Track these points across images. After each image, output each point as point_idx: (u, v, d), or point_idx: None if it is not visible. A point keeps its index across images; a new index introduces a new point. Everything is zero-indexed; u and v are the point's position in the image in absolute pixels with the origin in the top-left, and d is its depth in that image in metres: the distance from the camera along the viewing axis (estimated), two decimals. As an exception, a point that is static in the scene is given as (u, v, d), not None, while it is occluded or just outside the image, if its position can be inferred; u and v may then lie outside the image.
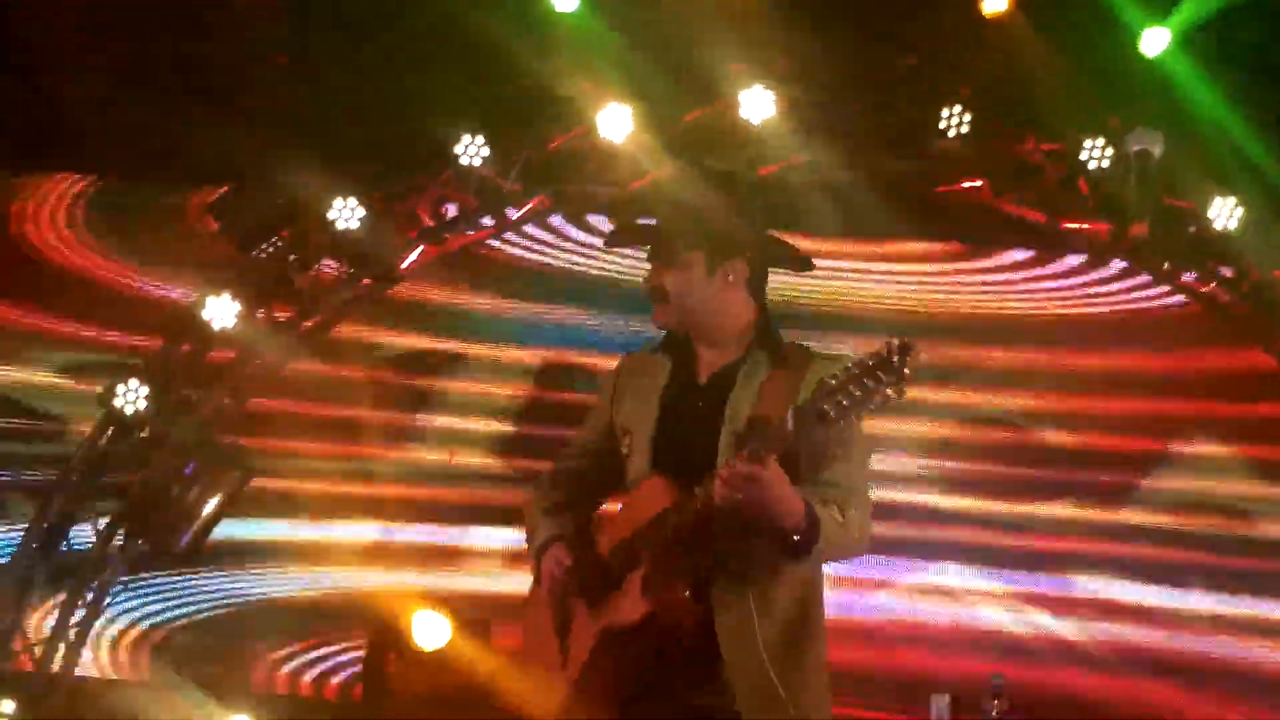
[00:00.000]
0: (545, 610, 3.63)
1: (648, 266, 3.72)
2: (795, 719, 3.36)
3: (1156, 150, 7.68)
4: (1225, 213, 7.73)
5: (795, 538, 3.26)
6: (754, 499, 3.17)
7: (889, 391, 2.98)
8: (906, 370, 2.96)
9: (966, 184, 8.12)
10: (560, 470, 3.90)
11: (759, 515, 3.22)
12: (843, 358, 3.34)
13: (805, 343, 3.67)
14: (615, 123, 7.95)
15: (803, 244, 8.37)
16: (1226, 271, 7.96)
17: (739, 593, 3.35)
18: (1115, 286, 8.85)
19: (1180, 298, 8.38)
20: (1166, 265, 8.09)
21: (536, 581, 3.71)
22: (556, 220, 8.99)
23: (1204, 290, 8.08)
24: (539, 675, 3.68)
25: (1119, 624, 8.49)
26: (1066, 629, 8.55)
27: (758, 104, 7.94)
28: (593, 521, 3.83)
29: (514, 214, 8.47)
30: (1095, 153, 7.77)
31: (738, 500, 3.16)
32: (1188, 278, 8.10)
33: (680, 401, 3.60)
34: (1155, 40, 7.69)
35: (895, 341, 2.97)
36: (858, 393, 2.99)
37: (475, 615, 7.87)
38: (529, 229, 8.97)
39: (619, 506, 3.62)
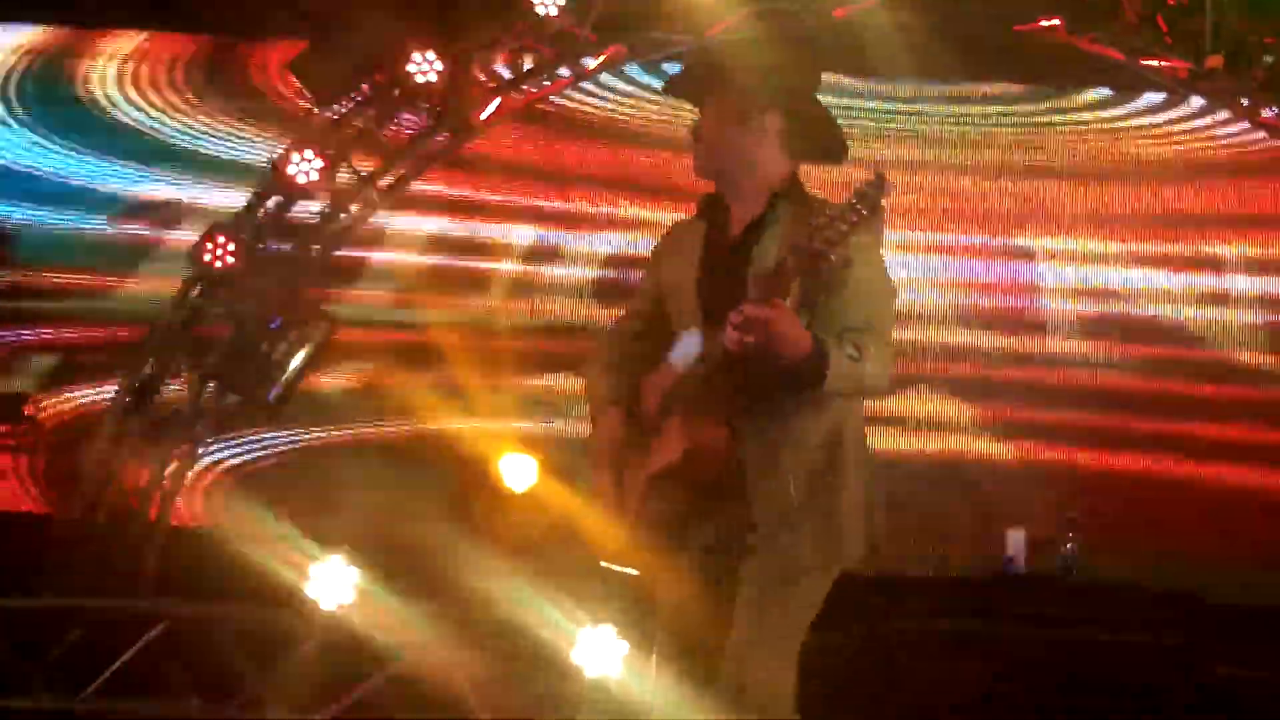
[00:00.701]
0: (603, 467, 3.73)
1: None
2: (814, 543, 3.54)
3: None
4: None
5: (803, 369, 3.40)
6: (762, 339, 3.31)
7: (869, 220, 3.21)
8: (883, 201, 3.22)
9: (1044, 22, 8.08)
10: (615, 331, 3.97)
11: (770, 354, 3.35)
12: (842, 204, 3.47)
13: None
14: (686, -33, 7.95)
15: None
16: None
17: (765, 427, 3.51)
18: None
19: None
20: (1246, 102, 8.05)
21: (595, 438, 3.80)
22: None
23: (1283, 126, 8.06)
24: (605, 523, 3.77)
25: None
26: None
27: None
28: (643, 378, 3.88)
29: (591, 64, 8.47)
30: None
31: (748, 342, 3.31)
32: (1268, 114, 8.06)
33: (715, 256, 3.67)
34: None
35: (871, 176, 3.20)
36: (843, 227, 3.19)
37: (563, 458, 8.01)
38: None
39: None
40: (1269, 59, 7.77)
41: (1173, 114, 8.90)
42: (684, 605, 3.60)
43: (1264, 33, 7.76)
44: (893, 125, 9.21)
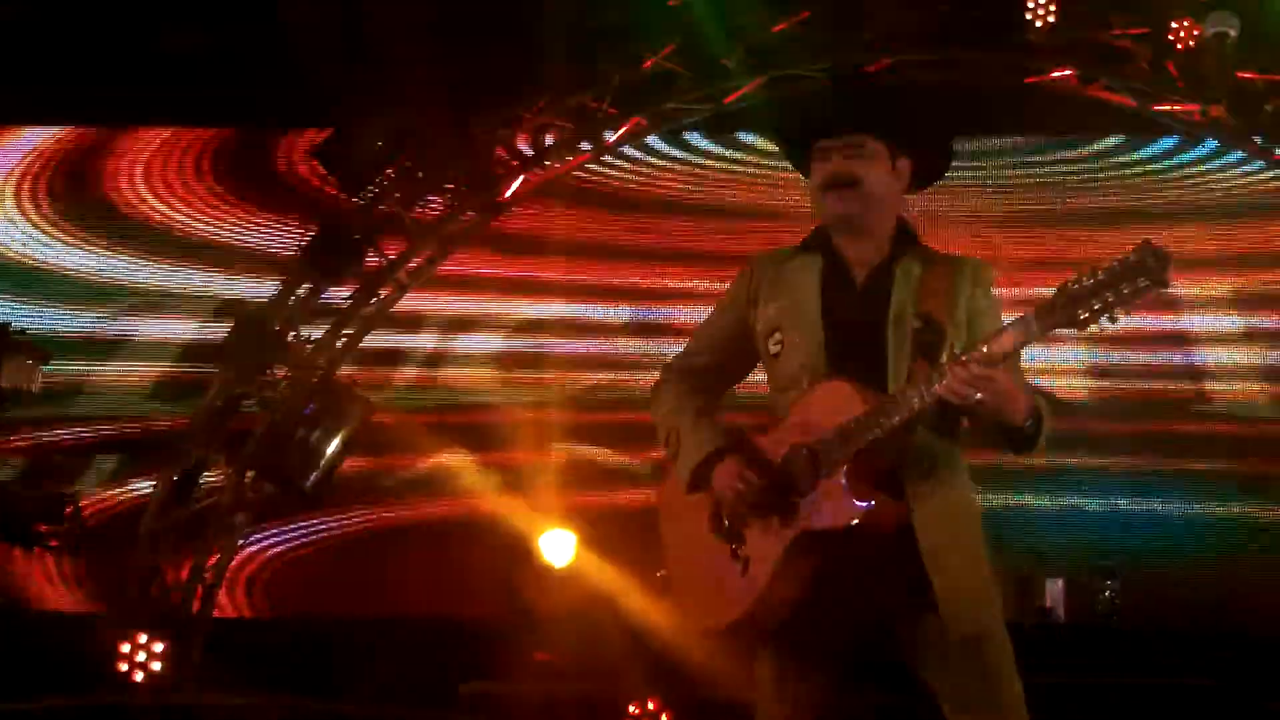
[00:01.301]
0: (702, 521, 3.62)
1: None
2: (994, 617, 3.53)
3: (1233, 31, 7.75)
4: (1182, 33, 7.76)
5: (1025, 431, 3.39)
6: (990, 396, 3.27)
7: (1147, 293, 3.08)
8: (1166, 274, 3.07)
9: (1055, 74, 8.21)
10: (690, 368, 3.86)
11: (992, 412, 3.34)
12: (974, 261, 3.68)
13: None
14: (705, 39, 8.07)
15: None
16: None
17: (933, 492, 3.47)
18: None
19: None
20: (1259, 141, 8.17)
21: (694, 488, 3.65)
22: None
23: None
24: (699, 586, 3.67)
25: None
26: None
27: (845, 7, 8.05)
28: (746, 429, 3.75)
29: (611, 137, 8.58)
30: (1181, 34, 7.86)
31: (974, 398, 3.28)
32: (1280, 152, 8.18)
33: (841, 302, 3.62)
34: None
35: (1151, 246, 3.07)
36: (1112, 297, 3.09)
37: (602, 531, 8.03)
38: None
39: (787, 409, 3.59)
40: (1269, 106, 7.92)
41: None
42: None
43: (1268, 75, 7.93)
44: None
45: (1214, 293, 8.94)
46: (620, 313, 8.93)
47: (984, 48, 8.14)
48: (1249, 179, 8.84)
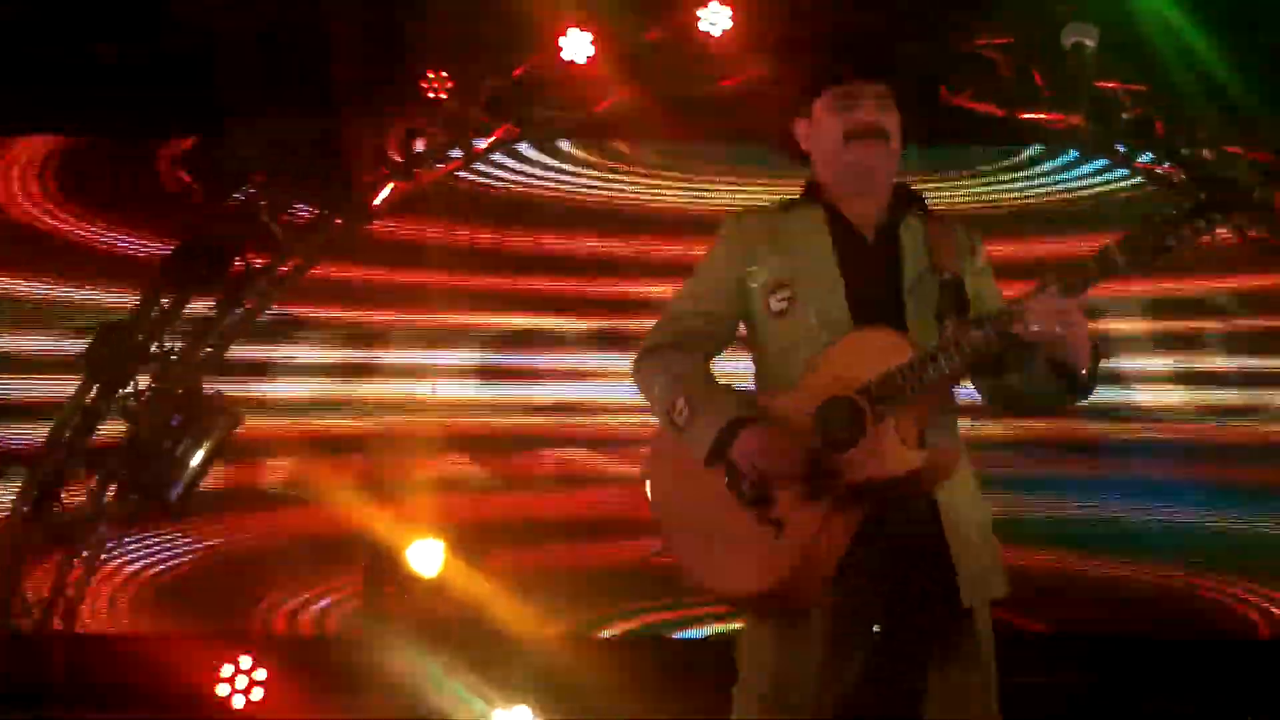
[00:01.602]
0: (714, 486, 3.45)
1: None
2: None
3: (1090, 41, 7.88)
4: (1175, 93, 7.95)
5: (1088, 374, 3.39)
6: (1070, 331, 3.28)
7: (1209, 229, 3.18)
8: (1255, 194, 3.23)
9: (923, 85, 8.26)
10: (685, 332, 3.70)
11: (1067, 351, 3.32)
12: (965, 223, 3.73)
13: None
14: (577, 47, 8.05)
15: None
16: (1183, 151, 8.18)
17: (952, 443, 3.49)
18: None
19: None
20: (1122, 149, 8.30)
21: (713, 460, 3.47)
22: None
23: (1161, 171, 8.30)
24: (719, 554, 3.45)
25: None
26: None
27: (716, 19, 8.07)
28: (762, 388, 3.67)
29: (482, 144, 8.51)
30: (1045, 43, 7.97)
31: (1055, 334, 3.25)
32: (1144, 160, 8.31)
33: (855, 258, 3.58)
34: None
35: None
36: (1188, 231, 3.16)
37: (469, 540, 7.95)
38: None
39: (802, 366, 3.49)
40: (1127, 114, 8.05)
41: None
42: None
43: (1128, 84, 8.05)
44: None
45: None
46: (494, 320, 8.78)
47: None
48: (1114, 185, 8.92)
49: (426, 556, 7.88)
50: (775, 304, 3.58)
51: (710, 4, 8.05)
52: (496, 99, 8.29)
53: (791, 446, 3.37)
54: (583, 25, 8.05)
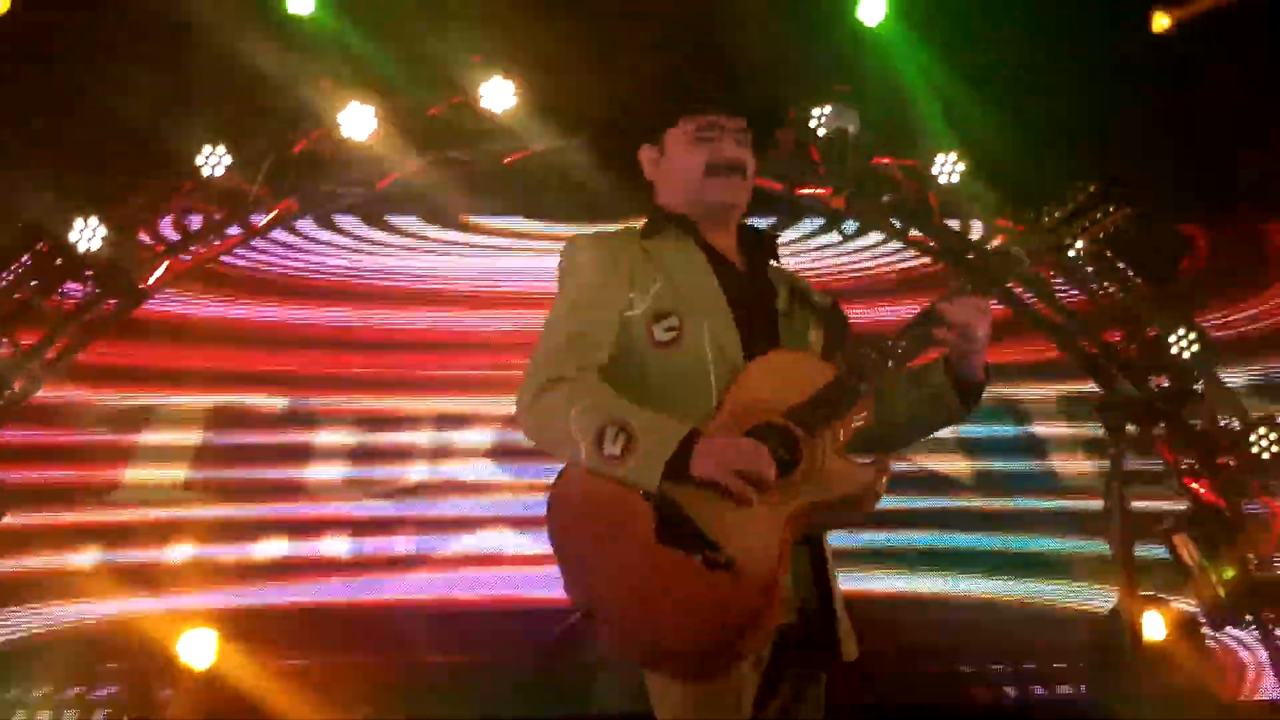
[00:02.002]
0: (642, 535, 3.14)
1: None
2: None
3: (852, 127, 8.12)
4: (947, 168, 8.21)
5: (983, 386, 3.43)
6: (984, 329, 3.32)
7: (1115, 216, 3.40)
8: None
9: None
10: (581, 361, 3.39)
11: (974, 354, 3.36)
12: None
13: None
14: (358, 122, 7.98)
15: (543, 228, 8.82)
16: (954, 224, 8.43)
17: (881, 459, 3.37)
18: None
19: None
20: (897, 224, 8.52)
21: (669, 478, 3.16)
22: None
23: (933, 245, 8.54)
24: (666, 606, 3.12)
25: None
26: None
27: (498, 95, 8.07)
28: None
29: (260, 220, 8.35)
30: (823, 120, 8.16)
31: (974, 331, 3.29)
32: (916, 233, 8.55)
33: (735, 287, 3.49)
34: (872, 8, 8.12)
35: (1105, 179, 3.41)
36: (1088, 223, 3.40)
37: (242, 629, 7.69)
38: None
39: (720, 393, 3.31)
40: (889, 194, 8.29)
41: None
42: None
43: (896, 160, 8.30)
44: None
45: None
46: (276, 401, 8.54)
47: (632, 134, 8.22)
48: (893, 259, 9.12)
49: (198, 648, 7.58)
50: (660, 334, 3.40)
51: (493, 79, 8.05)
52: (276, 174, 8.15)
53: (757, 447, 3.19)
54: (364, 100, 7.98)
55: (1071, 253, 7.78)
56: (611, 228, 3.61)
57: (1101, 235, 3.52)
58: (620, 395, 3.30)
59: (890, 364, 3.29)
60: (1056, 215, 3.41)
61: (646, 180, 3.72)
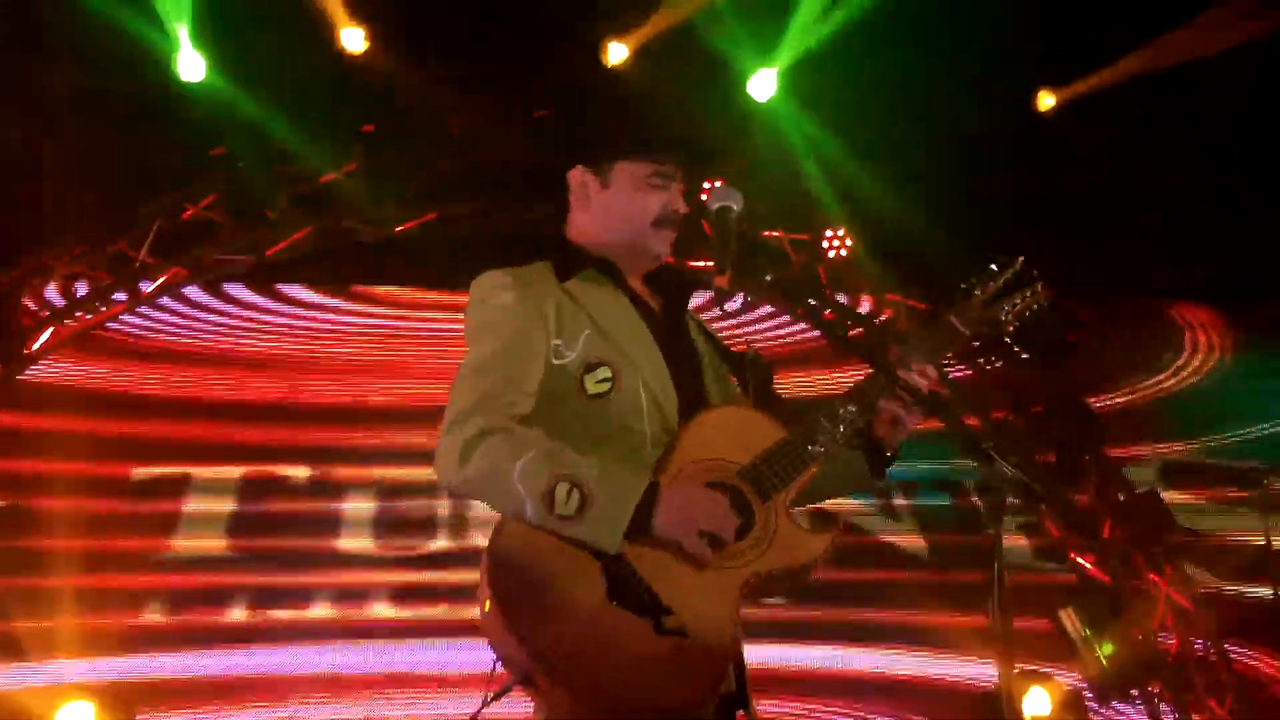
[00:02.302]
0: (590, 595, 3.00)
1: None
2: None
3: (736, 206, 8.13)
4: (836, 243, 8.28)
5: (893, 455, 3.42)
6: (929, 393, 3.37)
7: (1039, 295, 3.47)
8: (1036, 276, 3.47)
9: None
10: (512, 411, 3.20)
11: (905, 422, 3.36)
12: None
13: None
14: (249, 189, 7.96)
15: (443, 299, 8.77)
16: (842, 299, 8.49)
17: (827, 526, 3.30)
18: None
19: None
20: (784, 298, 8.58)
21: (633, 533, 3.02)
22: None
23: (828, 318, 8.59)
24: (620, 671, 2.98)
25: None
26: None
27: (388, 164, 8.08)
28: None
29: (148, 287, 8.31)
30: (708, 197, 8.18)
31: (919, 395, 3.31)
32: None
33: (661, 336, 3.38)
34: (763, 84, 8.20)
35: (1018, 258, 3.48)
36: (1019, 301, 3.47)
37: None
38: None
39: (669, 448, 3.20)
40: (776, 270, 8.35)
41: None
42: None
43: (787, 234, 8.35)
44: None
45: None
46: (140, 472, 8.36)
47: (526, 199, 8.31)
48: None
49: (77, 720, 7.44)
50: (593, 385, 3.25)
51: (382, 149, 8.07)
52: (164, 241, 8.12)
53: (718, 501, 3.09)
54: (257, 166, 7.95)
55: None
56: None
57: (1027, 314, 3.46)
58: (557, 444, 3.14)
59: (841, 429, 3.24)
60: (983, 293, 3.44)
61: (565, 200, 3.59)
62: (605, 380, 3.25)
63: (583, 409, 3.24)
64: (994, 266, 3.50)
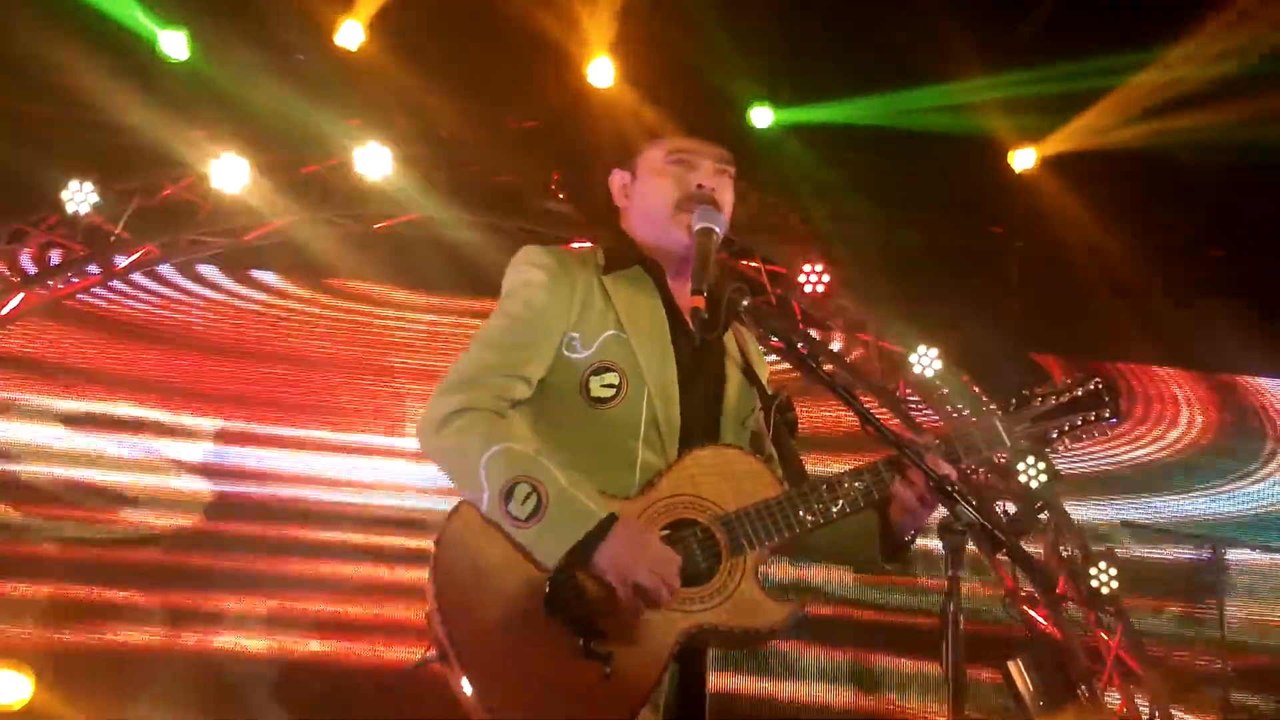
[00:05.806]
0: (527, 604, 2.91)
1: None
2: None
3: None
4: (814, 278, 8.26)
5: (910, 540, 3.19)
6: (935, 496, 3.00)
7: (1108, 422, 3.15)
8: (1120, 403, 3.13)
9: (577, 244, 8.38)
10: (500, 394, 3.08)
11: (919, 515, 3.09)
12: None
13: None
14: (230, 173, 7.90)
15: (416, 299, 8.73)
16: (814, 333, 8.47)
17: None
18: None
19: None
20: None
21: (568, 569, 2.91)
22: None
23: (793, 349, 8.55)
24: (540, 689, 2.90)
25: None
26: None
27: (374, 160, 8.03)
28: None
29: (122, 262, 8.23)
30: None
31: (926, 500, 3.04)
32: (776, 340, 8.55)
33: (687, 357, 3.17)
34: (762, 116, 8.26)
35: (1100, 378, 3.16)
36: (1079, 423, 3.16)
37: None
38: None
39: (660, 474, 3.06)
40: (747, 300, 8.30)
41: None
42: None
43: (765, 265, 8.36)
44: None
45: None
46: (110, 444, 8.27)
47: (502, 211, 8.36)
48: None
49: (10, 688, 7.37)
50: (598, 388, 3.09)
51: (369, 145, 8.01)
52: (141, 218, 8.05)
53: (668, 561, 2.93)
54: (240, 151, 7.91)
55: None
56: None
57: (1081, 436, 3.20)
58: (536, 440, 3.03)
59: (839, 506, 3.07)
60: (1042, 406, 3.17)
61: (615, 206, 3.40)
62: (610, 386, 3.09)
63: (580, 410, 3.11)
64: (1067, 380, 3.23)
